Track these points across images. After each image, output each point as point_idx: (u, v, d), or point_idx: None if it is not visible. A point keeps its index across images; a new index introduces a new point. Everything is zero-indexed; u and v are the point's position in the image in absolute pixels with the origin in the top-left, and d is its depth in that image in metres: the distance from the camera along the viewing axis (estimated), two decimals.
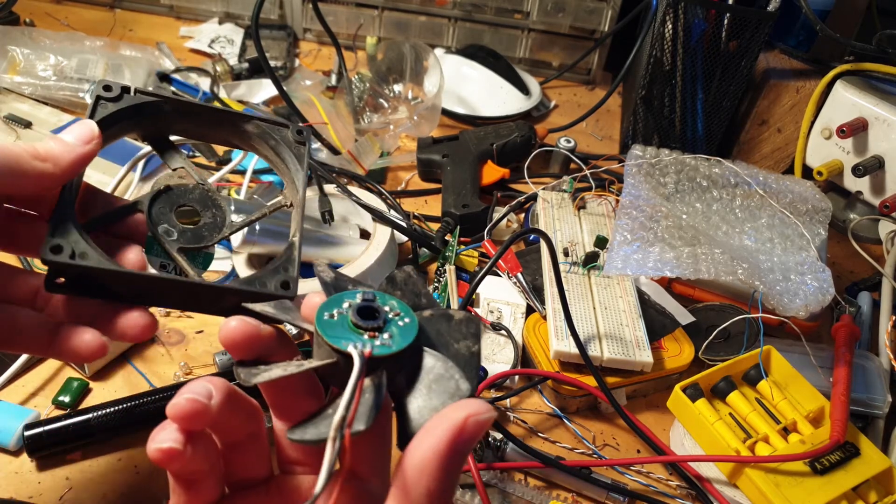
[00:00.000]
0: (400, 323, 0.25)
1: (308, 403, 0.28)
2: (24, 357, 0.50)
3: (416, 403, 0.24)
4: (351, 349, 0.23)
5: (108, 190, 0.60)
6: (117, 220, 0.34)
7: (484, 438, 0.48)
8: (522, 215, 0.73)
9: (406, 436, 0.23)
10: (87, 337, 0.30)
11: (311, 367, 0.24)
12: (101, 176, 0.65)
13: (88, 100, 0.77)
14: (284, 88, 0.72)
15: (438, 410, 0.23)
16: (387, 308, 0.26)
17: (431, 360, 0.26)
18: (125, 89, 0.34)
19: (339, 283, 0.28)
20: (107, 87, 0.34)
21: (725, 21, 0.74)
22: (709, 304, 0.59)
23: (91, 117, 0.33)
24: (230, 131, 0.38)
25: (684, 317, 0.58)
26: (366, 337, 0.24)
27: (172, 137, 0.38)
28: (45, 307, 0.33)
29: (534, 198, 0.70)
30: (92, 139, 0.32)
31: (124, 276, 0.30)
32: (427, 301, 0.29)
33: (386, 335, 0.25)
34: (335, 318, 0.25)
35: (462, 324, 0.27)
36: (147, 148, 0.58)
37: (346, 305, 0.25)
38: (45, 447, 0.45)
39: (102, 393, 0.50)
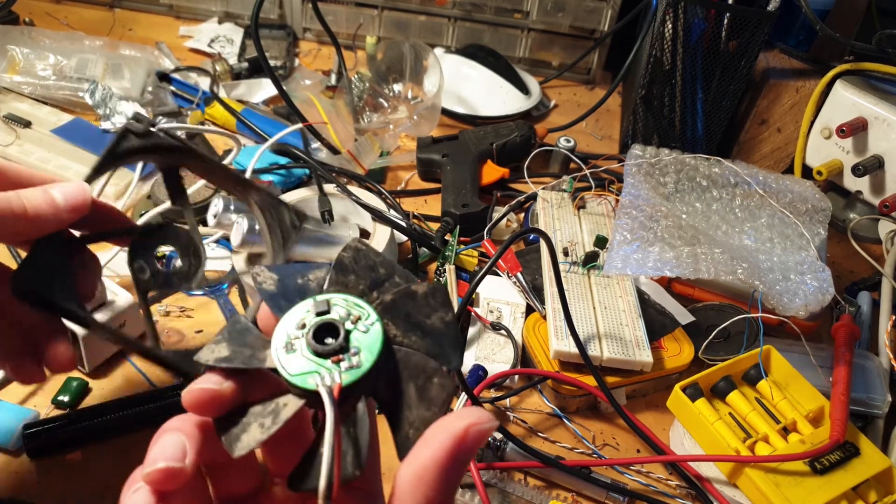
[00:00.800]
0: (362, 329, 0.24)
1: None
2: None
3: (405, 408, 0.23)
4: (319, 387, 0.22)
5: (101, 182, 0.61)
6: (113, 238, 0.36)
7: None
8: (522, 215, 0.73)
9: (403, 446, 0.22)
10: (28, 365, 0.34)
11: (288, 416, 0.23)
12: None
13: (88, 100, 0.77)
14: (284, 88, 0.72)
15: (431, 412, 0.23)
16: (344, 312, 0.24)
17: (405, 355, 0.24)
18: (151, 125, 0.35)
19: (285, 285, 0.26)
20: (137, 119, 0.34)
21: (725, 21, 0.74)
22: (708, 304, 0.59)
23: (116, 146, 0.33)
24: (236, 189, 0.38)
25: (684, 316, 0.58)
26: (330, 363, 0.23)
27: None
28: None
29: (533, 197, 0.70)
30: (81, 209, 0.31)
31: (80, 317, 0.31)
32: (385, 271, 0.26)
33: (352, 352, 0.23)
34: (293, 347, 0.23)
35: (428, 297, 0.25)
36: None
37: (301, 327, 0.24)
38: (45, 447, 0.45)
39: (102, 392, 0.50)
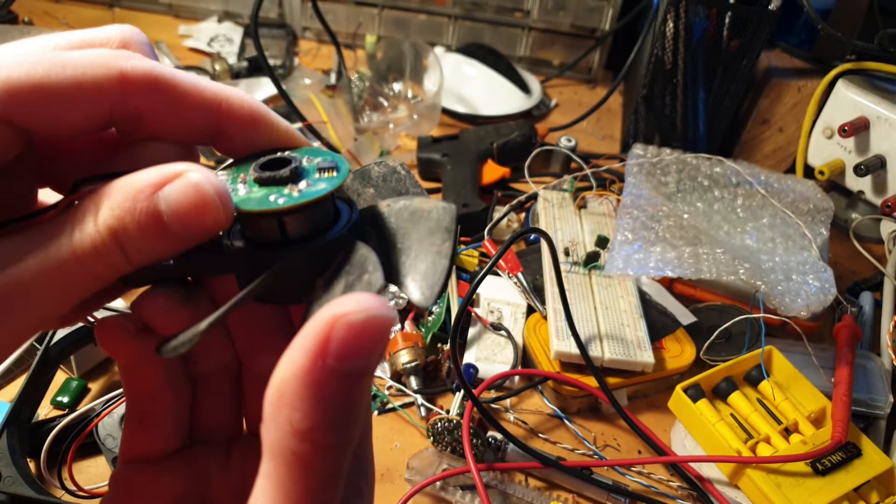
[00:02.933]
0: (322, 175, 0.19)
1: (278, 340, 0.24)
2: (13, 357, 0.49)
3: (324, 306, 0.18)
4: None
5: None
6: None
7: (484, 440, 0.48)
8: (523, 215, 0.73)
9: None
10: None
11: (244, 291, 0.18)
12: None
13: None
14: (283, 87, 0.72)
15: None
16: (311, 158, 0.20)
17: (356, 248, 0.19)
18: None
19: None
20: None
21: (727, 20, 0.73)
22: (710, 305, 0.59)
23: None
24: None
25: (686, 317, 0.58)
26: (285, 189, 0.19)
27: None
28: None
29: (534, 197, 0.69)
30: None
31: None
32: None
33: (302, 184, 0.19)
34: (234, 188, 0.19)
35: (429, 216, 0.20)
36: None
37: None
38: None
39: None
